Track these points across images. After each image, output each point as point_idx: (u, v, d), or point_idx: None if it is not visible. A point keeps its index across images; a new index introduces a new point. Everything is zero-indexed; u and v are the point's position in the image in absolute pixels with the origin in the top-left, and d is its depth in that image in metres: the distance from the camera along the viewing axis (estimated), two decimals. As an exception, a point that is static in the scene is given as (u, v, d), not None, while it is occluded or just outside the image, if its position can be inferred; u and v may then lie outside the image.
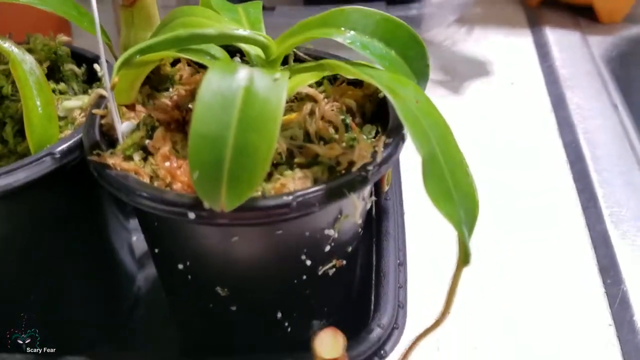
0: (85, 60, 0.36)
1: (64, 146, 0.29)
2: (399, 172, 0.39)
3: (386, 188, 0.35)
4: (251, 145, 0.21)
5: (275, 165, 0.27)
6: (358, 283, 0.35)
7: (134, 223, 0.43)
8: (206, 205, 0.23)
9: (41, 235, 0.32)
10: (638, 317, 0.38)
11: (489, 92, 0.61)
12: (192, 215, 0.24)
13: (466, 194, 0.24)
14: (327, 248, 0.29)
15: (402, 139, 0.28)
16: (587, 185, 0.48)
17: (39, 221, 0.31)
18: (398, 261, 0.33)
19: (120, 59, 0.25)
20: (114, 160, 0.26)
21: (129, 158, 0.27)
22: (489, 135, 0.55)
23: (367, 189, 0.30)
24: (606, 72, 0.63)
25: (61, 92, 0.33)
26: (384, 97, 0.31)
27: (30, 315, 0.33)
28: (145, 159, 0.27)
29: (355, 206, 0.28)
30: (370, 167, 0.26)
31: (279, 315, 0.30)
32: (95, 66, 0.34)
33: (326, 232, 0.28)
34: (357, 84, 0.32)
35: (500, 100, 0.60)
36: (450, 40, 0.70)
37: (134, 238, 0.43)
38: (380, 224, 0.35)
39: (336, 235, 0.29)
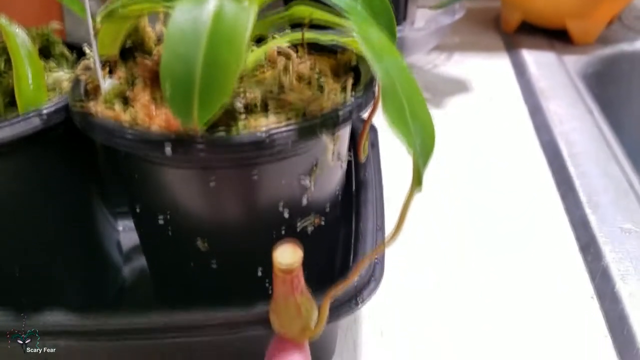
0: (76, 48, 0.38)
1: (52, 107, 0.30)
2: (379, 157, 0.40)
3: (363, 158, 0.36)
4: (221, 59, 0.22)
5: (251, 113, 0.28)
6: (339, 248, 0.35)
7: (122, 223, 0.44)
8: (181, 126, 0.24)
9: (26, 202, 0.33)
10: (619, 288, 0.38)
11: (469, 106, 0.63)
12: (168, 148, 0.25)
13: (423, 124, 0.25)
14: (305, 201, 0.30)
15: (373, 93, 0.30)
16: (566, 178, 0.49)
17: (26, 185, 0.32)
18: (377, 226, 0.34)
19: (104, 10, 0.27)
20: (96, 108, 0.27)
21: (110, 107, 0.28)
22: (470, 141, 0.57)
23: (344, 146, 0.32)
24: (582, 85, 0.65)
25: (51, 70, 0.35)
26: (357, 65, 0.33)
27: (16, 286, 0.34)
28: (125, 109, 0.28)
29: (328, 149, 0.29)
30: (340, 109, 0.27)
31: (260, 272, 0.31)
32: (85, 48, 0.36)
33: (302, 181, 0.29)
34: (332, 52, 0.34)
35: (480, 113, 0.62)
36: (431, 65, 0.73)
37: (122, 236, 0.44)
38: (359, 194, 0.36)
39: (312, 188, 0.30)
